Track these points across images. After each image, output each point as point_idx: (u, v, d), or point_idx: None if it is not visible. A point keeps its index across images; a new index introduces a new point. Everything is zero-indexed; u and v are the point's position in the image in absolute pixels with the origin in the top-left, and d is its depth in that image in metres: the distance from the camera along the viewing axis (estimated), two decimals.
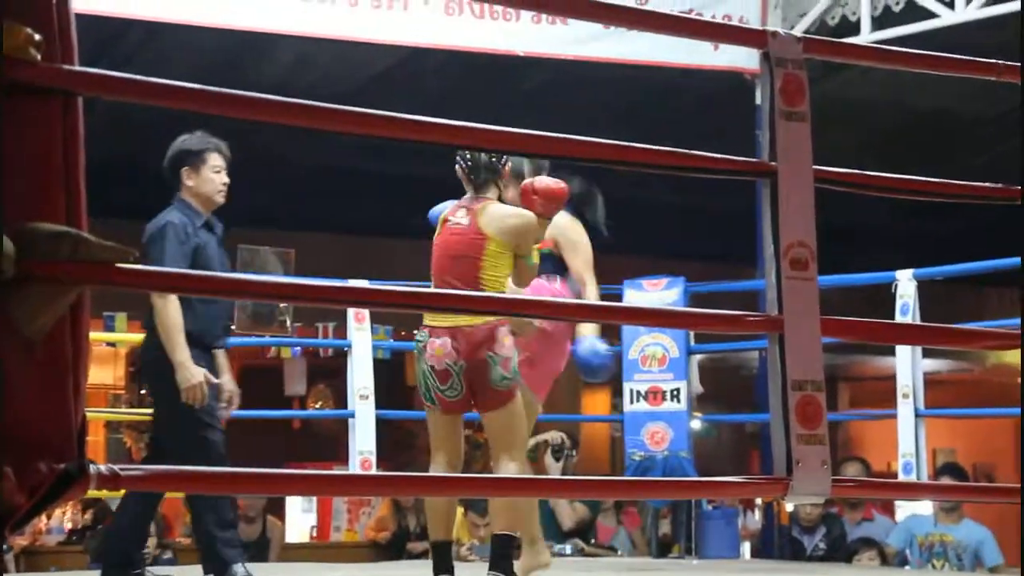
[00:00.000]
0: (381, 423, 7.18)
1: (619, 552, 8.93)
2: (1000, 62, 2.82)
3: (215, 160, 5.25)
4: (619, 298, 7.33)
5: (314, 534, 11.87)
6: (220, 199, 5.27)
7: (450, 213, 5.05)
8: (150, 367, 5.23)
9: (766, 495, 2.90)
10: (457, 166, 5.01)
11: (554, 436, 8.49)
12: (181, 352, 5.00)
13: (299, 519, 12.10)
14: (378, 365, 7.37)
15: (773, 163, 2.48)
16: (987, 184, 2.84)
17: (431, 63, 8.56)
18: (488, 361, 4.86)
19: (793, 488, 2.47)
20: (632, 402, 7.57)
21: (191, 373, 4.99)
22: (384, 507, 9.69)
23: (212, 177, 5.23)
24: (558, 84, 8.88)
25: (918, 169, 2.87)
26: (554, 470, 8.07)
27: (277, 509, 10.71)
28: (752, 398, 8.67)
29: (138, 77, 2.13)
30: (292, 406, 12.01)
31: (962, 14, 7.54)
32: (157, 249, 5.05)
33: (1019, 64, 2.89)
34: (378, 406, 7.16)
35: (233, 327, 9.36)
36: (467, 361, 4.85)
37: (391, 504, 9.41)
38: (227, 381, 5.30)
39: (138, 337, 5.72)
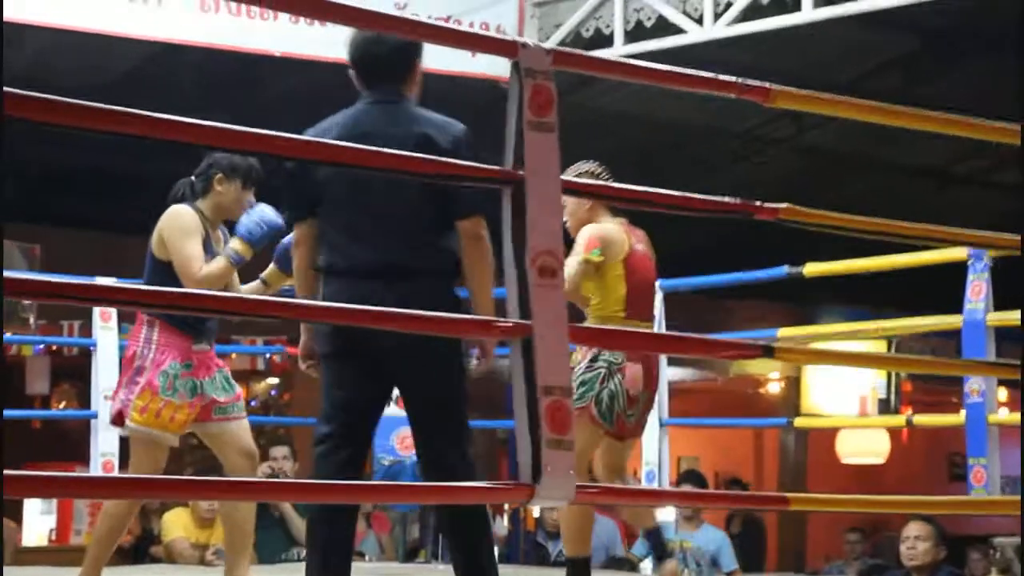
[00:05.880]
0: None
1: (366, 557, 8.92)
2: (741, 80, 2.90)
3: None
4: None
5: (53, 537, 11.56)
6: None
7: (636, 240, 5.12)
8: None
9: (511, 500, 2.94)
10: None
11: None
12: None
13: (37, 521, 11.77)
14: None
15: (519, 172, 2.51)
16: (726, 199, 2.91)
17: (186, 60, 8.44)
18: (655, 395, 5.16)
19: (539, 493, 2.50)
20: None
21: None
22: None
23: None
24: (317, 86, 8.82)
25: (671, 181, 2.93)
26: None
27: (13, 511, 10.41)
28: (502, 404, 8.74)
29: None
30: (34, 405, 11.68)
31: (710, 31, 7.75)
32: None
33: (763, 84, 2.97)
34: None
35: None
36: (649, 392, 5.09)
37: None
38: None
39: None
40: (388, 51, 4.15)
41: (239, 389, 5.14)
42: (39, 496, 9.48)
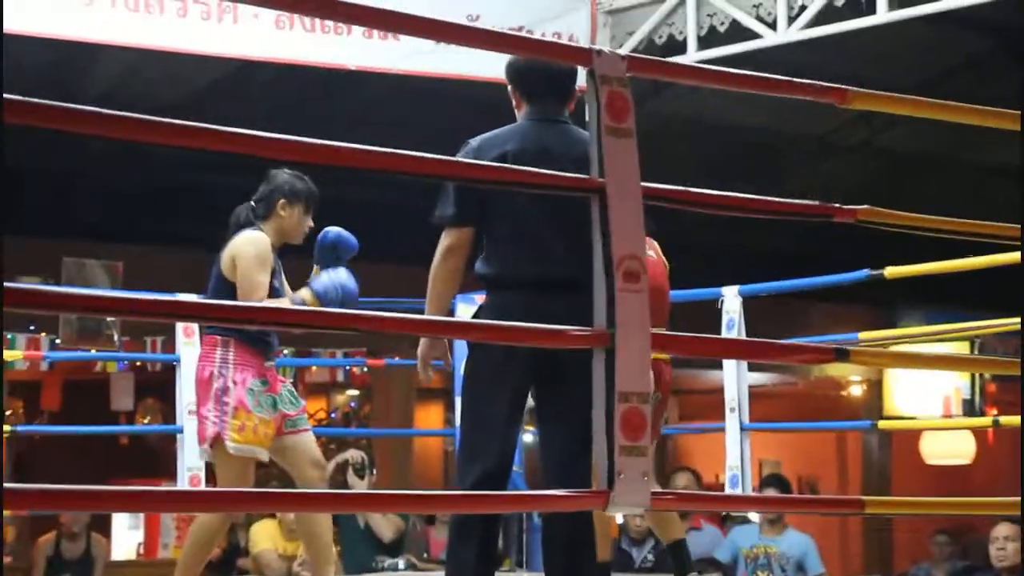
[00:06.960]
0: None
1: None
2: (817, 83, 2.90)
3: None
4: (451, 313, 7.35)
5: (141, 551, 11.68)
6: None
7: (648, 247, 5.13)
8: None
9: (587, 507, 2.94)
10: None
11: (354, 455, 8.47)
12: None
13: (125, 536, 11.90)
14: None
15: (601, 179, 2.52)
16: (806, 202, 2.91)
17: (261, 77, 8.51)
18: (668, 396, 5.14)
19: (613, 499, 2.50)
20: None
21: None
22: None
23: None
24: (389, 98, 8.88)
25: (743, 186, 2.93)
26: (359, 487, 8.02)
27: (102, 526, 10.53)
28: None
29: None
30: (119, 421, 11.81)
31: (784, 36, 7.69)
32: None
33: (838, 86, 2.97)
34: None
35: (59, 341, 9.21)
36: (660, 393, 4.99)
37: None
38: None
39: None
40: (559, 71, 4.07)
41: (303, 401, 5.27)
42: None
